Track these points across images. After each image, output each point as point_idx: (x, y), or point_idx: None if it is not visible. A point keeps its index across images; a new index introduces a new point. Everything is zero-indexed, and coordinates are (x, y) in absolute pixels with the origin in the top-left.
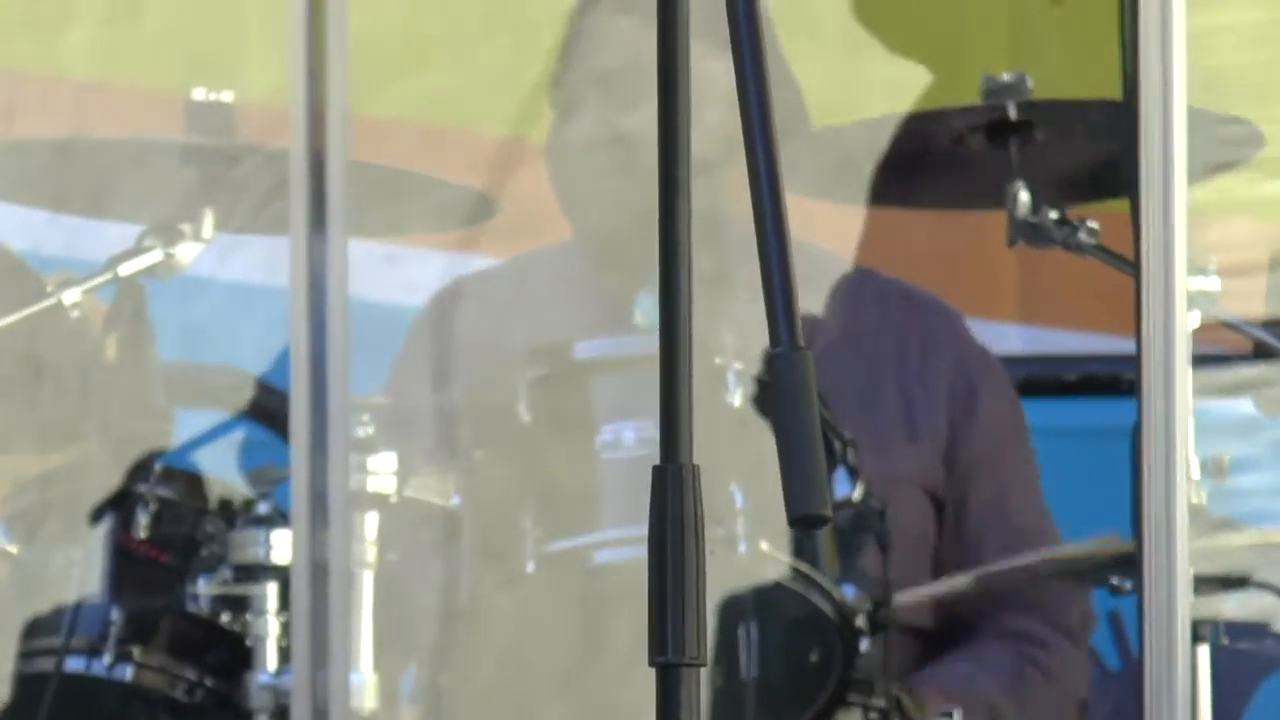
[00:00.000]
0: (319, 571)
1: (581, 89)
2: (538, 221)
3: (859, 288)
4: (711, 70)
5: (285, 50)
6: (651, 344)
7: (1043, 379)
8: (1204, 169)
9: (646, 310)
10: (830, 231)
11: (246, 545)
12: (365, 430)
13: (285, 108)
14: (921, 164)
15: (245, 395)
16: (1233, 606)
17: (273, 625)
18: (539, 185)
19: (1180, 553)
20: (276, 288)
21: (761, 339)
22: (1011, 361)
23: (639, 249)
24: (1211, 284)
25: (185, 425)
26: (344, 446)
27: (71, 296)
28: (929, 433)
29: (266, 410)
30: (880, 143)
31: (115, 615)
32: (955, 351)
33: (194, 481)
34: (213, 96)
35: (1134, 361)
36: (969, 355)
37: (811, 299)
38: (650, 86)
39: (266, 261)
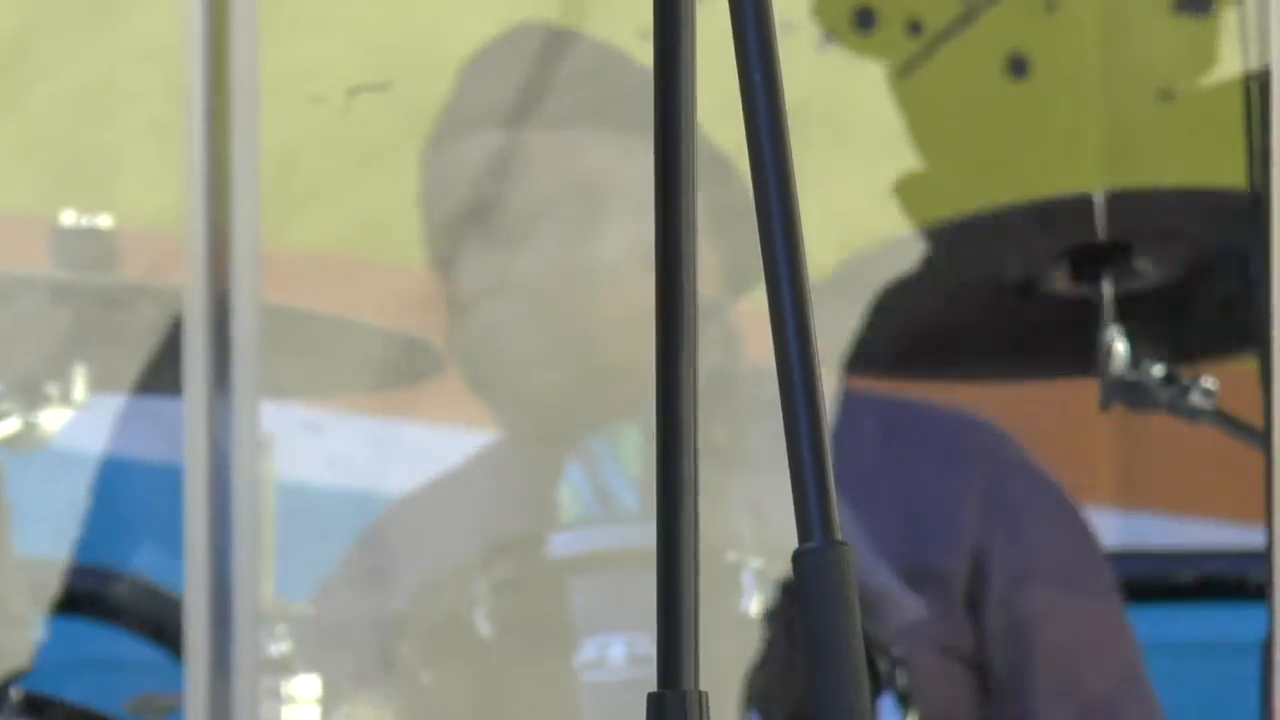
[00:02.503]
0: None
1: (451, 239)
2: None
3: (851, 408)
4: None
5: (179, 165)
6: (645, 536)
7: (1147, 580)
8: None
9: (576, 486)
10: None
11: None
12: (280, 646)
13: (177, 236)
14: (985, 309)
15: (128, 601)
16: None
17: None
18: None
19: None
20: (168, 465)
21: (787, 530)
22: (1107, 559)
23: (571, 422)
24: None
25: (52, 638)
26: (253, 667)
27: None
28: (944, 572)
29: (154, 621)
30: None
31: None
32: (988, 476)
33: (63, 713)
34: (85, 221)
35: (1264, 559)
36: (1010, 480)
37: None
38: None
39: (155, 431)
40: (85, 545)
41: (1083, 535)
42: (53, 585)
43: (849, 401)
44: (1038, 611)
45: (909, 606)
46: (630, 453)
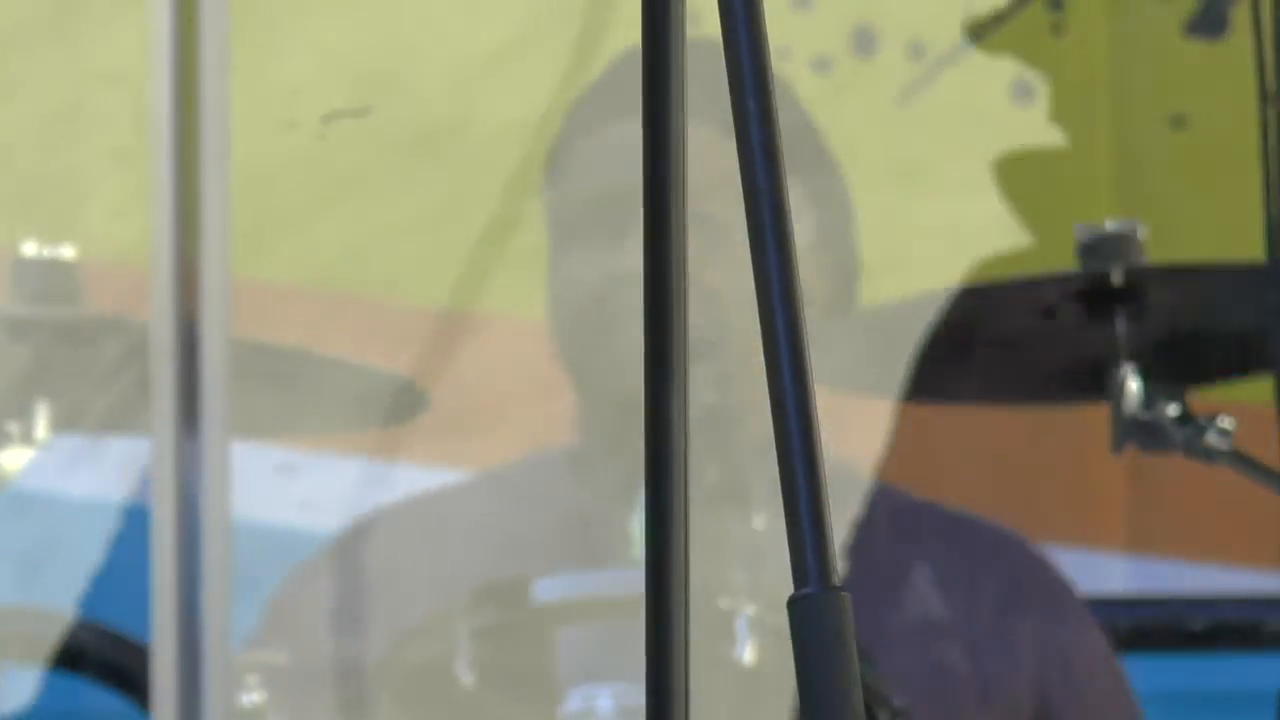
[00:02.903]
0: None
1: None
2: (480, 418)
3: (909, 519)
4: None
5: (145, 193)
6: (634, 582)
7: (1158, 628)
8: None
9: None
10: (872, 434)
11: None
12: (252, 697)
13: (144, 267)
14: (996, 344)
15: (92, 649)
16: None
17: None
18: (483, 371)
19: None
20: (134, 506)
21: (783, 576)
22: (1117, 606)
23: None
24: None
25: (11, 688)
26: (224, 718)
27: None
28: (1008, 702)
29: (119, 669)
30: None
31: None
32: (1046, 619)
33: None
34: (47, 252)
35: None
36: (1065, 624)
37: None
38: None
39: (120, 472)
40: (48, 589)
41: (1121, 679)
42: (12, 633)
43: (903, 504)
44: None
45: None
46: None
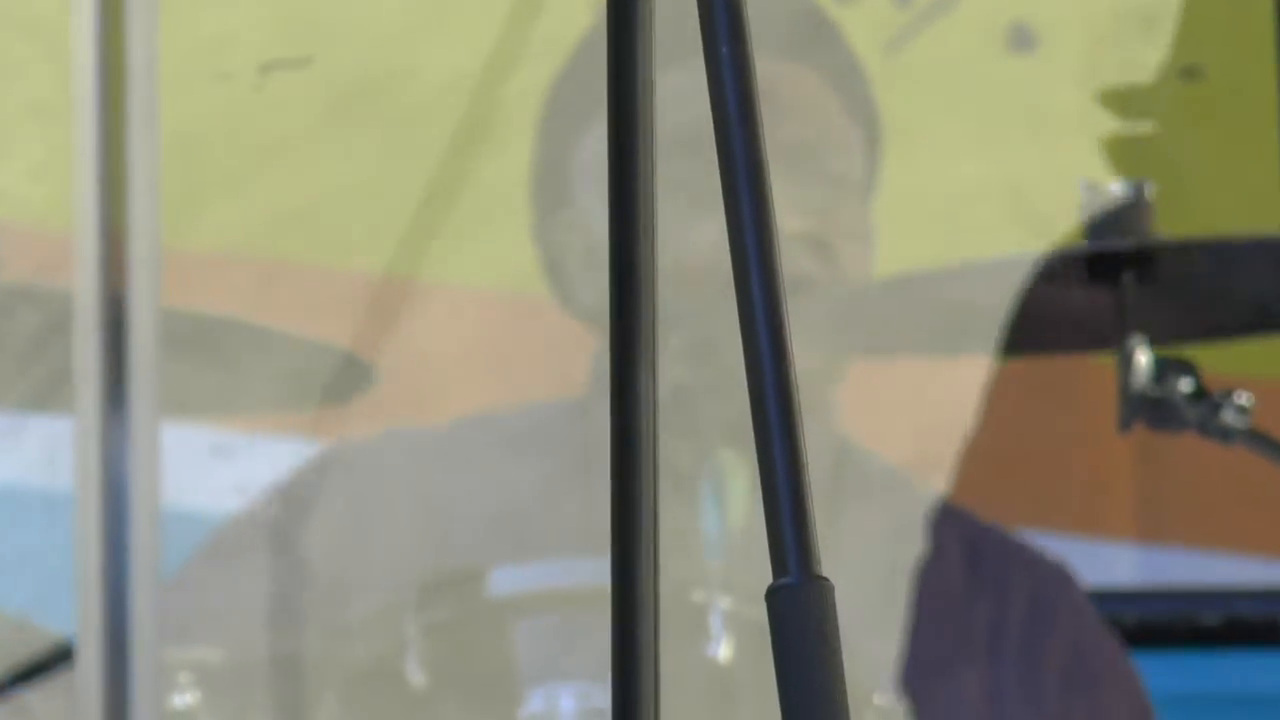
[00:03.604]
0: None
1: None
2: (430, 393)
3: (939, 526)
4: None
5: (66, 152)
6: (598, 572)
7: (1169, 623)
8: None
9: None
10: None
11: None
12: (184, 698)
13: (65, 233)
14: (992, 314)
15: (7, 645)
16: None
17: None
18: (432, 342)
19: None
20: (56, 492)
21: (760, 565)
22: (1125, 599)
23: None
24: None
25: None
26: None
27: None
28: None
29: (38, 667)
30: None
31: None
32: (1070, 638)
33: None
34: None
35: None
36: (1089, 644)
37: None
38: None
39: (41, 454)
40: None
41: (1144, 701)
42: None
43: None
44: None
45: None
46: (736, 490)
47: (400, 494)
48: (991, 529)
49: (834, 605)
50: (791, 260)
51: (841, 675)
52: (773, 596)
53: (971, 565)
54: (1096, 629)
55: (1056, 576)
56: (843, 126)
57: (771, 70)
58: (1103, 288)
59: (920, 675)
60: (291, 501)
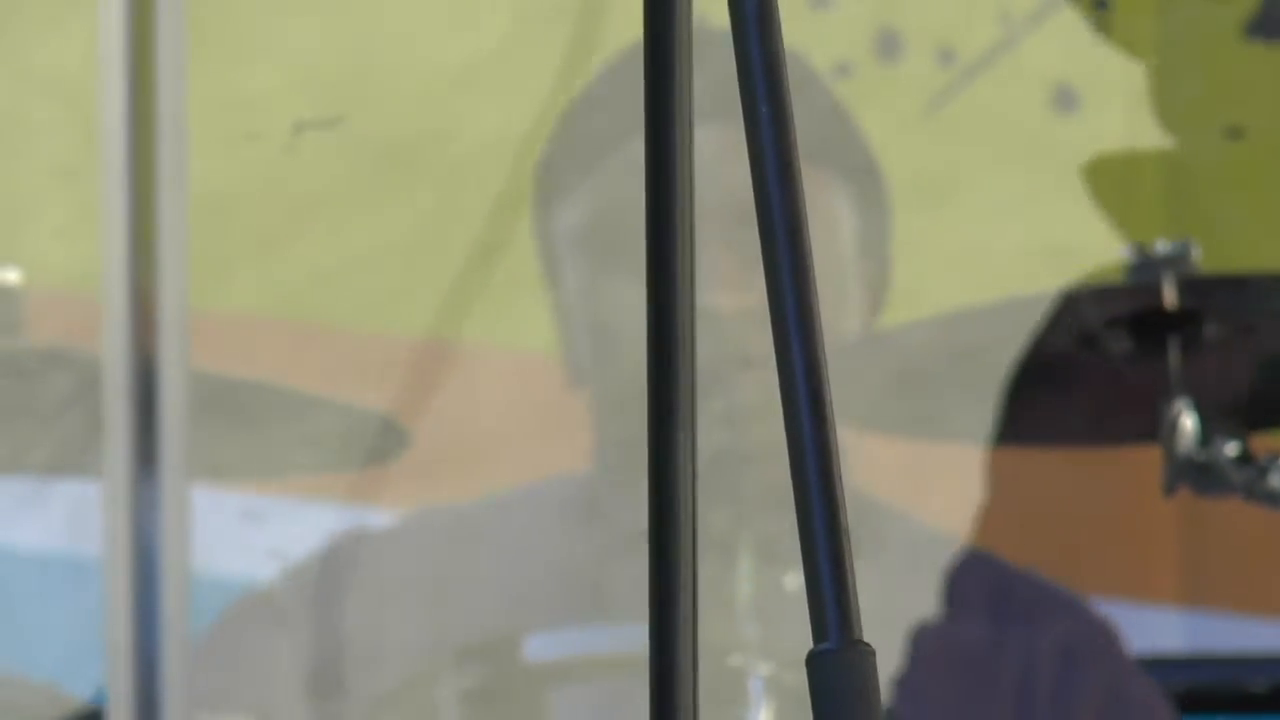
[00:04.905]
0: None
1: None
2: (465, 458)
3: (960, 573)
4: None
5: (94, 214)
6: (636, 639)
7: (1216, 690)
8: None
9: None
10: (897, 479)
11: None
12: None
13: (94, 295)
14: (1034, 377)
15: (37, 714)
16: None
17: None
18: (468, 406)
19: None
20: (85, 558)
21: (800, 631)
22: (1170, 665)
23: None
24: None
25: None
26: None
27: None
28: None
29: None
30: (964, 345)
31: None
32: (1105, 688)
33: None
34: None
35: None
36: (1127, 696)
37: (882, 585)
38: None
39: (70, 519)
40: None
41: None
42: None
43: (970, 567)
44: None
45: None
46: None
47: (432, 567)
48: (1023, 574)
49: (875, 670)
50: (737, 338)
51: None
52: (813, 662)
53: (997, 612)
54: (1137, 677)
55: (1092, 622)
56: (818, 185)
57: (719, 130)
58: (1149, 355)
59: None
60: (323, 571)
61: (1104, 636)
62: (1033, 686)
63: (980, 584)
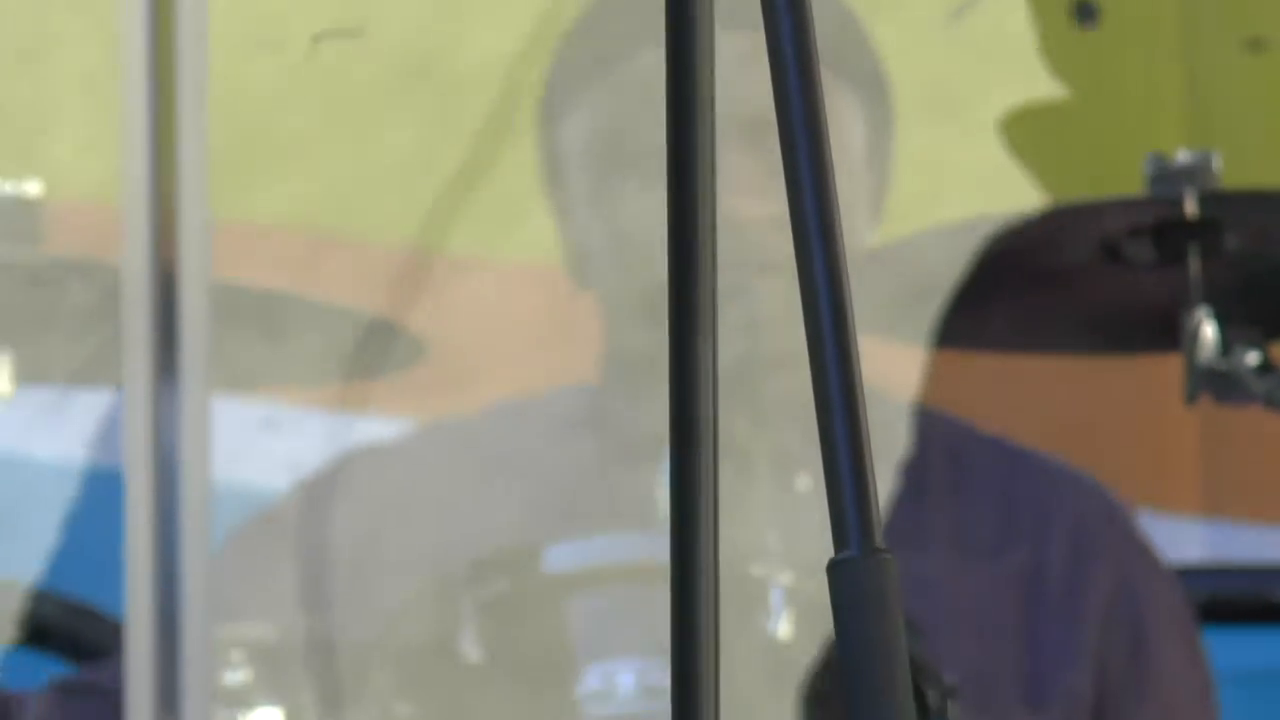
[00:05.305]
0: None
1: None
2: (481, 368)
3: (969, 458)
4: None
5: (115, 124)
6: (657, 548)
7: (1236, 599)
8: None
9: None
10: (913, 386)
11: None
12: (237, 675)
13: (115, 206)
14: (1054, 285)
15: (57, 623)
16: None
17: None
18: (487, 318)
19: None
20: (106, 467)
21: (821, 539)
22: (1192, 575)
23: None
24: None
25: None
26: (205, 699)
27: None
28: (1067, 697)
29: (88, 646)
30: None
31: None
32: (1115, 570)
33: None
34: (8, 190)
35: None
36: (1137, 578)
37: (883, 470)
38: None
39: (90, 429)
40: (7, 559)
41: (1198, 651)
42: None
43: (961, 434)
44: None
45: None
46: None
47: (442, 480)
48: (1033, 455)
49: (896, 578)
50: (760, 245)
51: (903, 649)
52: (834, 570)
53: (1009, 497)
54: (1148, 563)
55: (1104, 504)
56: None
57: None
58: (1170, 265)
59: (952, 609)
60: (334, 484)
61: (1116, 519)
62: (1043, 577)
63: (988, 466)
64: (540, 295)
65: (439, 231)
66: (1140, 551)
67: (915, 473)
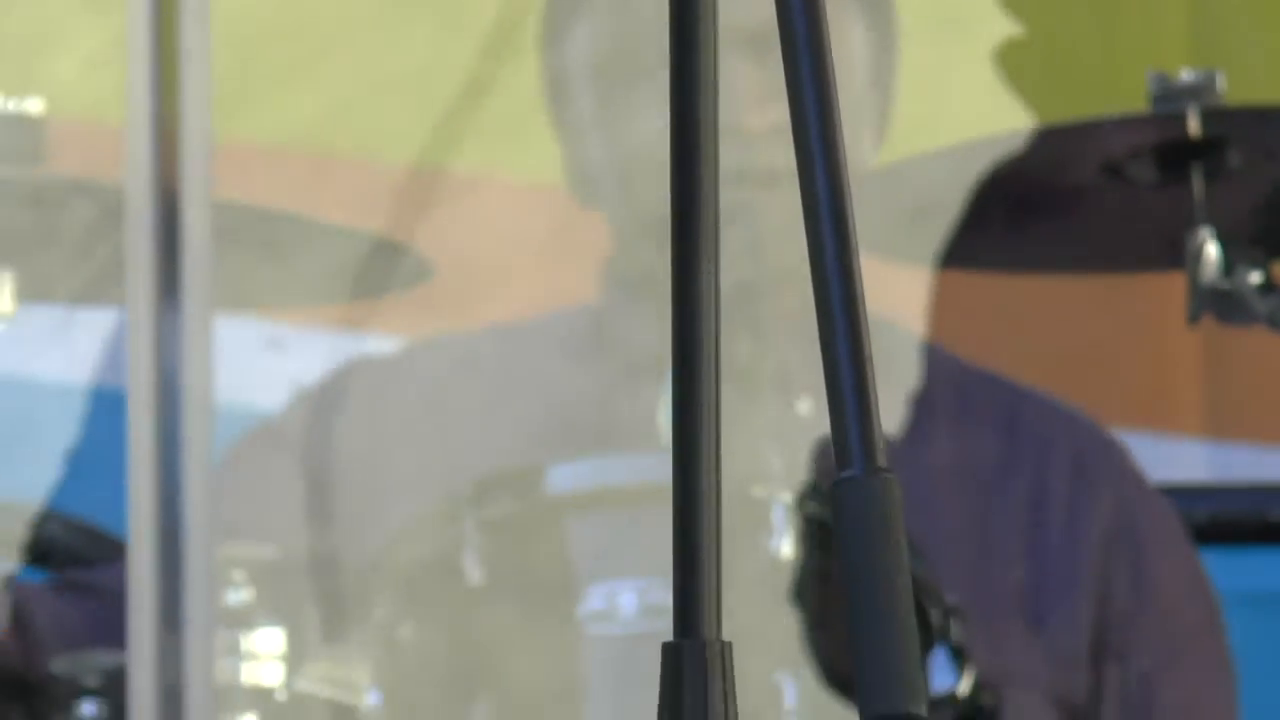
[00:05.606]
0: None
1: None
2: (484, 287)
3: (970, 395)
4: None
5: (118, 42)
6: (660, 469)
7: (1237, 519)
8: None
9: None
10: (916, 307)
11: None
12: (239, 595)
13: (118, 125)
14: (1054, 205)
15: (60, 543)
16: None
17: None
18: (490, 237)
19: None
20: (108, 388)
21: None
22: (1193, 495)
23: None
24: None
25: None
26: (208, 619)
27: None
28: (1068, 620)
29: (91, 566)
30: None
31: None
32: (1116, 503)
33: None
34: (11, 107)
35: None
36: (1136, 509)
37: (890, 405)
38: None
39: (93, 348)
40: (12, 478)
41: (1200, 578)
42: None
43: (973, 382)
44: (1157, 671)
45: (1023, 650)
46: None
47: (441, 398)
48: (1033, 393)
49: (898, 498)
50: (765, 155)
51: (906, 567)
52: (836, 489)
53: (1011, 431)
54: (1147, 495)
55: (1102, 440)
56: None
57: None
58: (1173, 184)
59: (956, 546)
60: (332, 400)
61: (1113, 454)
62: (1044, 505)
63: (991, 402)
64: (545, 214)
65: (443, 150)
66: (1138, 482)
67: (919, 404)
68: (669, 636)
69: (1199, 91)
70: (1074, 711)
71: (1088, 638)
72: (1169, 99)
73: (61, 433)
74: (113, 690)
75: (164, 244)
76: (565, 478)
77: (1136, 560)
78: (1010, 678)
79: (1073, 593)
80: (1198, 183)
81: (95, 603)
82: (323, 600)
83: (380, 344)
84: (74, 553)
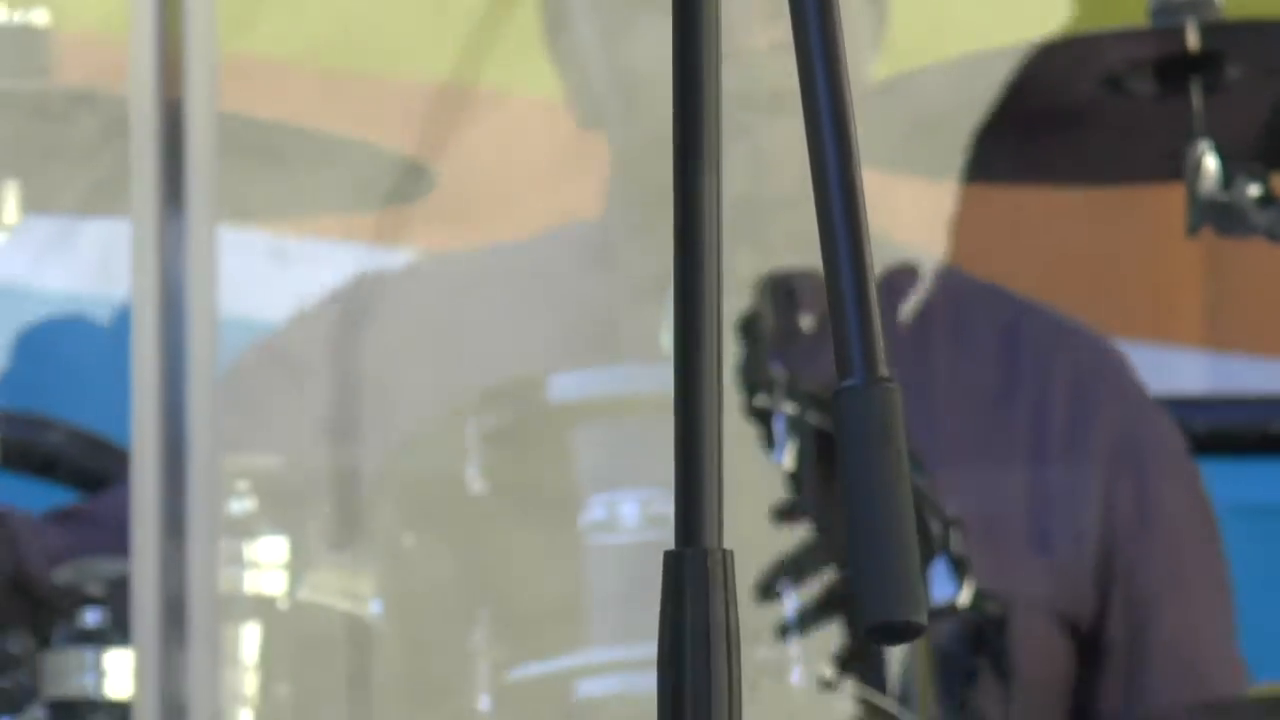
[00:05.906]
0: (174, 711)
1: None
2: (490, 201)
3: (971, 310)
4: None
5: None
6: (662, 379)
7: (1235, 430)
8: None
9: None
10: (917, 220)
11: (67, 672)
12: (243, 504)
13: (122, 36)
14: (1055, 119)
15: (65, 453)
16: None
17: None
18: (492, 150)
19: None
20: (112, 298)
21: (825, 369)
22: (1193, 406)
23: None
24: None
25: None
26: (211, 528)
27: None
28: (1071, 537)
29: (95, 475)
30: (985, 88)
31: None
32: (1118, 419)
33: None
34: (16, 19)
35: None
36: (1138, 427)
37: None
38: None
39: (97, 259)
40: (16, 389)
41: (1201, 496)
42: None
43: (976, 296)
44: (1160, 591)
45: (1028, 568)
46: None
47: (446, 312)
48: (1033, 306)
49: (899, 407)
50: (770, 74)
51: (906, 476)
52: (838, 399)
53: (1012, 345)
54: (1148, 409)
55: (1103, 353)
56: None
57: None
58: (1172, 97)
59: (957, 460)
60: (337, 314)
61: (1115, 368)
62: (1045, 420)
63: (993, 315)
64: (552, 129)
65: (449, 66)
66: (1139, 398)
67: (920, 320)
68: (670, 544)
69: (1197, 5)
70: (1078, 630)
71: (1092, 557)
72: (1168, 12)
73: (65, 344)
74: (115, 599)
75: (168, 155)
76: (567, 387)
77: (1139, 479)
78: (1014, 595)
79: (1076, 510)
80: (1196, 96)
81: (89, 534)
82: (326, 510)
83: (383, 256)
84: (78, 463)
